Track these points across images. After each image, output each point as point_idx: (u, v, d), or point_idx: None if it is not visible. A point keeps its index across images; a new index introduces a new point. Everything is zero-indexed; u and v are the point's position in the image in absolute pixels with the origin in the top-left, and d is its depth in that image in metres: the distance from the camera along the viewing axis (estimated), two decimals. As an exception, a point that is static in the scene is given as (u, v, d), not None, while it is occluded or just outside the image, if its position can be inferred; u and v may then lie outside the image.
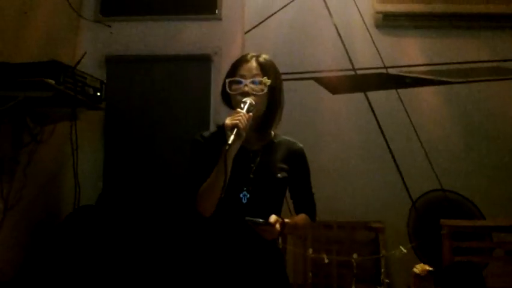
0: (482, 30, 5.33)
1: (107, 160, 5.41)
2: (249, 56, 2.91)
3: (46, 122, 4.85)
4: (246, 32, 5.48)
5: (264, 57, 2.93)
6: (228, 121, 2.66)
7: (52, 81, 4.04)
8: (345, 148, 5.35)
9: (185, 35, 5.49)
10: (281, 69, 5.13)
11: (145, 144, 5.35)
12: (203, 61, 5.40)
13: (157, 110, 5.41)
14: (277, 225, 2.65)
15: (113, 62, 5.50)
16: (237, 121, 2.63)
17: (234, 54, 4.92)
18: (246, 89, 2.80)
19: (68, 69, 4.25)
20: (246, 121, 2.66)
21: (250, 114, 2.71)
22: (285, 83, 5.13)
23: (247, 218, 2.60)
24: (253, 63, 2.87)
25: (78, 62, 4.40)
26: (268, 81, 2.84)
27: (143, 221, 4.76)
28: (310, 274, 4.89)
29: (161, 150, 5.26)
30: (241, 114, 2.67)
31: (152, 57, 5.48)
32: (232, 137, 2.60)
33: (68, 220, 4.80)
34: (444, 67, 5.32)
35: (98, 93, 4.64)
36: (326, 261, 4.75)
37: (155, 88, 5.44)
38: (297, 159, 2.96)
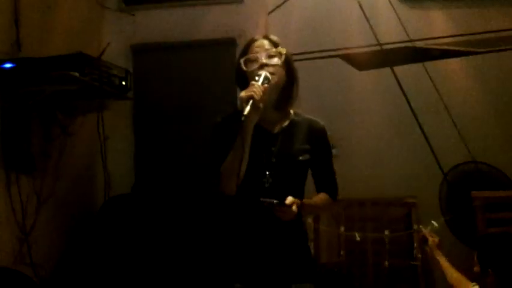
0: (509, -2, 5.24)
1: (138, 148, 5.48)
2: (257, 37, 2.92)
3: (75, 114, 4.92)
4: (269, 13, 5.46)
5: (272, 35, 2.94)
6: (242, 94, 2.66)
7: (76, 74, 4.07)
8: (374, 124, 5.31)
9: (209, 19, 5.52)
10: (306, 48, 5.29)
11: (174, 131, 5.43)
12: (228, 45, 5.40)
13: (185, 96, 5.47)
14: (294, 207, 2.65)
15: (139, 51, 5.57)
16: (252, 92, 2.62)
17: (259, 36, 4.91)
18: (264, 60, 2.79)
19: (92, 61, 4.28)
20: (261, 92, 2.65)
21: (266, 85, 2.70)
22: (311, 62, 5.24)
23: (261, 198, 2.60)
24: (263, 41, 2.88)
25: (102, 53, 4.45)
26: (283, 50, 2.85)
27: (176, 209, 4.80)
28: (343, 252, 4.89)
29: (191, 136, 5.30)
30: (256, 85, 2.66)
31: (177, 44, 5.53)
32: (248, 108, 2.59)
33: (104, 210, 4.87)
34: (471, 37, 5.22)
35: (124, 83, 4.67)
36: (358, 239, 4.75)
37: (182, 75, 5.50)
38: (318, 138, 2.93)
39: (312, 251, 4.88)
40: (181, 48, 5.52)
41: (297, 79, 2.93)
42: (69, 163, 4.85)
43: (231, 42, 5.40)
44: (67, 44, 4.72)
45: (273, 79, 2.76)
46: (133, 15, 5.59)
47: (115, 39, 5.37)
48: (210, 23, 5.51)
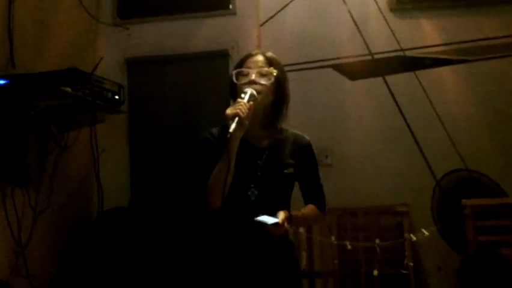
0: (498, 6, 5.22)
1: (133, 160, 5.54)
2: (254, 52, 2.99)
3: (70, 128, 4.99)
4: (261, 25, 5.50)
5: (270, 53, 2.99)
6: (228, 111, 2.71)
7: (69, 89, 4.14)
8: (367, 133, 5.33)
9: (202, 32, 5.60)
10: (298, 59, 5.34)
11: (169, 143, 5.49)
12: (221, 57, 5.49)
13: (180, 108, 5.55)
14: (286, 224, 2.71)
15: (133, 64, 5.65)
16: (238, 110, 2.68)
17: (251, 48, 4.97)
18: (253, 77, 2.85)
19: (85, 76, 4.35)
20: (247, 110, 2.70)
21: (251, 103, 2.75)
22: (303, 72, 5.30)
23: (255, 219, 2.66)
24: (260, 57, 2.93)
25: (94, 68, 4.51)
26: (274, 71, 2.88)
27: (171, 223, 4.86)
28: (336, 261, 4.93)
29: (186, 147, 5.35)
30: (242, 103, 2.72)
31: (171, 57, 5.61)
32: (233, 126, 2.65)
33: (99, 222, 4.91)
34: (462, 45, 5.24)
35: (117, 97, 4.74)
36: (349, 247, 4.80)
37: (176, 87, 5.59)
38: (304, 152, 2.99)
39: (306, 260, 4.95)
40: (175, 61, 5.61)
41: (287, 98, 2.98)
42: (64, 176, 4.92)
43: (224, 54, 5.49)
44: (62, 59, 4.80)
45: (258, 97, 2.81)
46: (128, 28, 5.66)
47: (109, 53, 5.49)
48: (203, 35, 5.59)
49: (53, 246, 4.79)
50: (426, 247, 5.03)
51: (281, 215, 2.70)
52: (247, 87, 2.81)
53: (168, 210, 5.00)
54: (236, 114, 2.67)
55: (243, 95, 2.77)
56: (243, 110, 2.69)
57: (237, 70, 2.92)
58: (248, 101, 2.74)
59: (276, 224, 2.66)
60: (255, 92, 2.79)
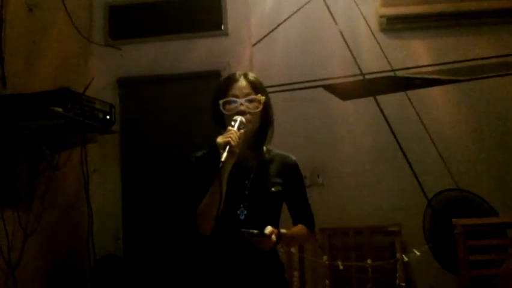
0: (488, 27, 5.29)
1: (125, 182, 5.54)
2: (237, 75, 2.93)
3: (62, 149, 4.96)
4: (253, 45, 5.54)
5: (252, 75, 2.95)
6: (219, 139, 2.70)
7: (60, 109, 4.12)
8: (358, 153, 5.36)
9: (194, 52, 5.61)
10: (290, 79, 5.35)
11: (161, 163, 5.47)
12: (213, 77, 5.45)
13: (171, 128, 5.55)
14: (273, 236, 2.70)
15: (125, 84, 5.66)
16: (229, 139, 2.66)
17: (243, 68, 5.00)
18: (242, 108, 2.82)
19: (76, 96, 4.33)
20: (237, 138, 2.69)
21: (242, 131, 2.74)
22: (295, 92, 5.31)
23: (242, 229, 2.65)
24: (243, 82, 2.89)
25: (86, 88, 4.49)
26: (262, 98, 2.87)
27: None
28: (327, 282, 4.92)
29: (177, 168, 5.32)
30: (232, 131, 2.70)
31: (163, 77, 5.63)
32: (225, 155, 2.63)
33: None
34: (452, 66, 5.30)
35: (108, 117, 4.73)
36: (341, 267, 4.79)
37: (168, 107, 5.59)
38: (291, 172, 2.99)
39: (298, 280, 4.93)
40: (167, 81, 5.62)
41: (272, 122, 2.98)
42: (55, 197, 4.89)
43: (216, 75, 5.47)
44: (53, 79, 4.78)
45: (248, 126, 2.80)
46: (120, 49, 5.68)
47: (101, 73, 5.50)
48: (195, 56, 5.61)
49: (43, 267, 4.74)
50: (418, 267, 5.03)
51: (268, 228, 2.69)
52: (237, 116, 2.81)
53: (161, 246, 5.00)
54: (227, 143, 2.66)
55: (233, 123, 2.75)
56: (234, 139, 2.67)
57: (225, 100, 2.88)
58: (238, 129, 2.74)
59: (262, 234, 2.65)
60: (244, 120, 2.78)
